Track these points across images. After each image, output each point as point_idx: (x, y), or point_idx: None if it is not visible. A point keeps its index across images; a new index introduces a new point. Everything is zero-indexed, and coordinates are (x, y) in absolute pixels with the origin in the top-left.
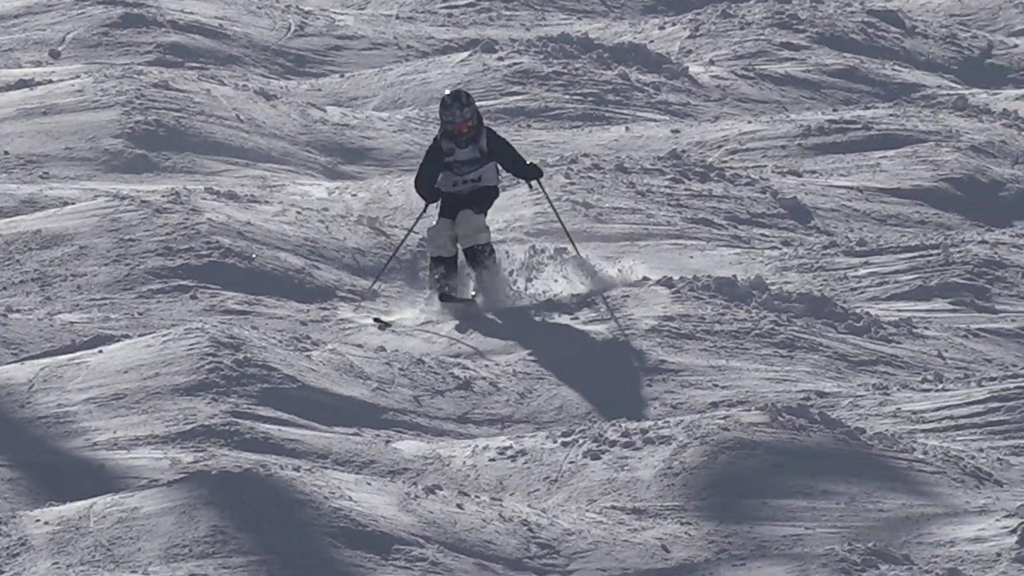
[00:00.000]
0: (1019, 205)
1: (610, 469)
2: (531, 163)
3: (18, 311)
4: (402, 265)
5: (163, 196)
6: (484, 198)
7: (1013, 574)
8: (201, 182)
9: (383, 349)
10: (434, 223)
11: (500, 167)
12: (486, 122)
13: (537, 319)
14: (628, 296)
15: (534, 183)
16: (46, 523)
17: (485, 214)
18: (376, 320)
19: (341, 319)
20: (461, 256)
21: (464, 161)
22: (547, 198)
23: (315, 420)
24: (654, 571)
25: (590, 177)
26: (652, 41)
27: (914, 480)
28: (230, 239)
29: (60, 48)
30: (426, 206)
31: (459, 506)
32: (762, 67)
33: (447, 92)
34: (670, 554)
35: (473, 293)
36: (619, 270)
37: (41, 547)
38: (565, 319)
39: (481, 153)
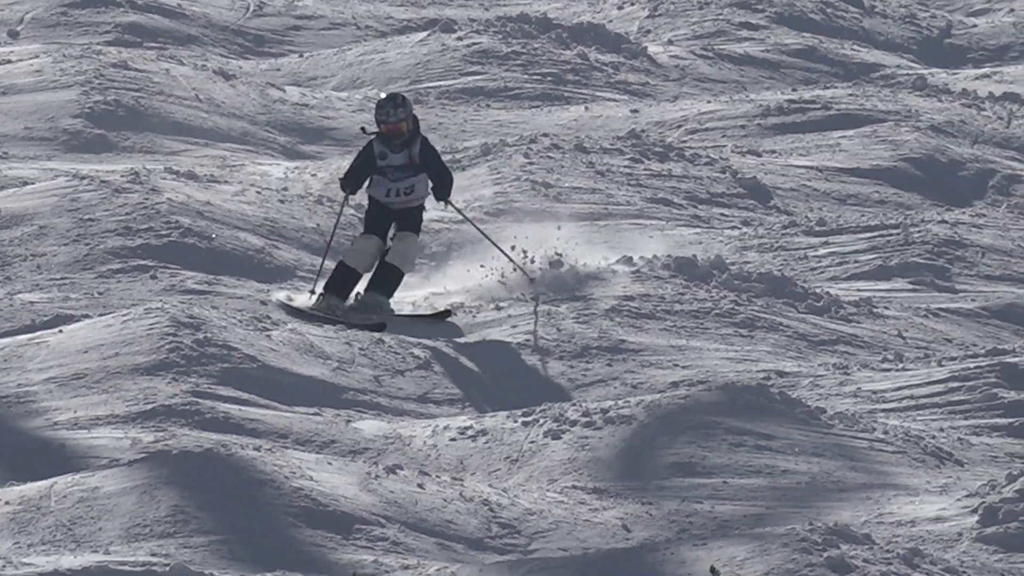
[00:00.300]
0: (978, 184)
1: (571, 449)
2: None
3: None
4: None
5: (122, 176)
6: (415, 217)
7: (974, 553)
8: (160, 162)
9: (343, 328)
10: (360, 234)
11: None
12: (425, 131)
13: (501, 300)
14: (590, 276)
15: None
16: (7, 503)
17: (420, 242)
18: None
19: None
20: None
21: (397, 167)
22: (460, 212)
23: (276, 400)
24: (615, 551)
25: (549, 157)
26: (611, 21)
27: (875, 460)
28: (190, 219)
29: (19, 28)
30: (346, 197)
31: (420, 486)
32: (721, 47)
33: (384, 94)
34: (631, 533)
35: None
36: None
37: (2, 527)
38: (525, 300)
39: (411, 160)
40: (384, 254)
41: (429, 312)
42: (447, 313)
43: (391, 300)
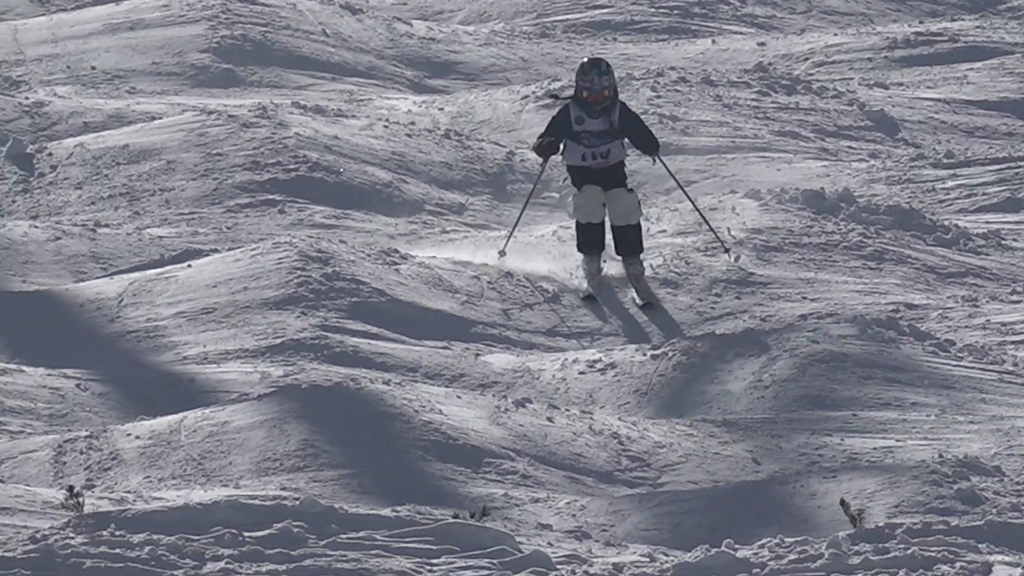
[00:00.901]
0: None
1: (700, 382)
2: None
3: (107, 226)
4: (489, 179)
5: (250, 111)
6: (619, 173)
7: None
8: (288, 96)
9: (471, 263)
10: (578, 191)
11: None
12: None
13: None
14: (715, 209)
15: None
16: (137, 437)
17: (634, 192)
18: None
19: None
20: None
21: (594, 132)
22: (668, 171)
23: (404, 334)
24: (745, 484)
25: (676, 90)
26: None
27: (1004, 392)
28: (317, 153)
29: None
30: (544, 161)
31: (549, 419)
32: None
33: (586, 58)
34: (761, 466)
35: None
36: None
37: (132, 461)
38: (653, 232)
39: (611, 126)
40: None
41: (641, 303)
42: (652, 304)
43: (643, 256)
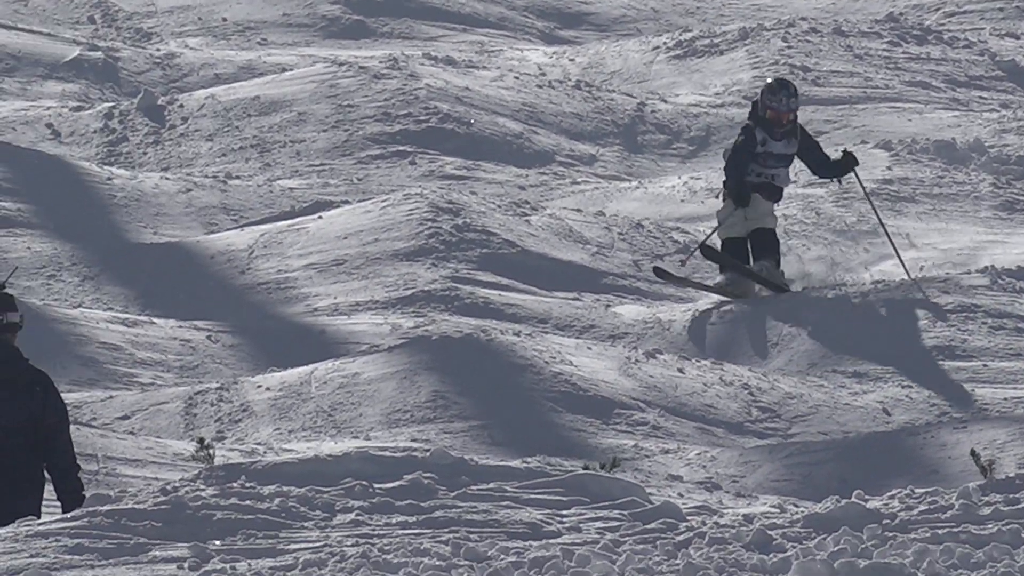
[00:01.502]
0: None
1: (831, 334)
2: (846, 153)
3: (238, 177)
4: (620, 130)
5: (381, 62)
6: (773, 191)
7: None
8: (419, 47)
9: (602, 214)
10: (724, 205)
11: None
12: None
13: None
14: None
15: (846, 177)
16: (267, 389)
17: (774, 203)
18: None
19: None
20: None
21: (776, 155)
22: (862, 188)
23: (535, 285)
24: (875, 434)
25: (807, 41)
26: None
27: None
28: (448, 104)
29: None
30: (735, 208)
31: (680, 370)
32: None
33: (773, 79)
34: (891, 417)
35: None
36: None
37: (263, 413)
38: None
39: (793, 149)
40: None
41: (776, 284)
42: (786, 287)
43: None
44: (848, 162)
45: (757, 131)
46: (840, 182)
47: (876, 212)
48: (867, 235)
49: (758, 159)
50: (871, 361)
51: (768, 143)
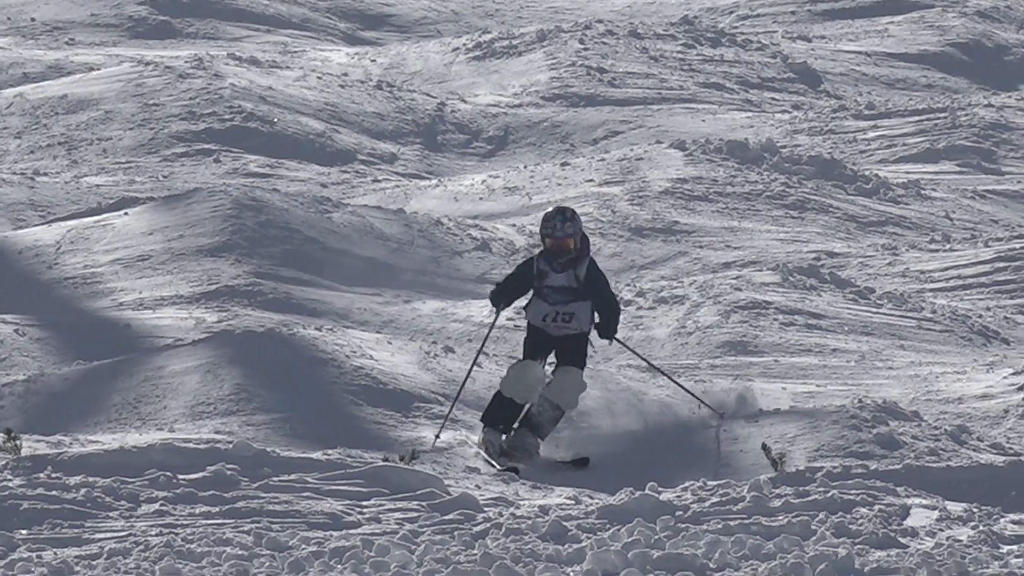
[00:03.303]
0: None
1: (625, 328)
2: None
3: (45, 174)
4: (420, 129)
5: (186, 62)
6: (578, 348)
7: (1021, 430)
8: (223, 48)
9: (402, 211)
10: (520, 360)
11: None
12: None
13: (559, 181)
14: (642, 159)
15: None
16: (74, 381)
17: (581, 375)
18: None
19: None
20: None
21: (557, 288)
22: (629, 349)
23: (336, 280)
24: (669, 428)
25: (604, 43)
26: None
27: (923, 338)
28: (252, 103)
29: None
30: (497, 313)
31: (479, 365)
32: None
33: (552, 208)
34: (668, 408)
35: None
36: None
37: (69, 405)
38: (580, 181)
39: (577, 282)
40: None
41: (569, 459)
42: (585, 461)
43: (542, 441)
44: (610, 330)
45: (537, 260)
46: (610, 342)
47: (662, 371)
48: (662, 233)
49: (544, 294)
50: (665, 356)
51: (549, 275)
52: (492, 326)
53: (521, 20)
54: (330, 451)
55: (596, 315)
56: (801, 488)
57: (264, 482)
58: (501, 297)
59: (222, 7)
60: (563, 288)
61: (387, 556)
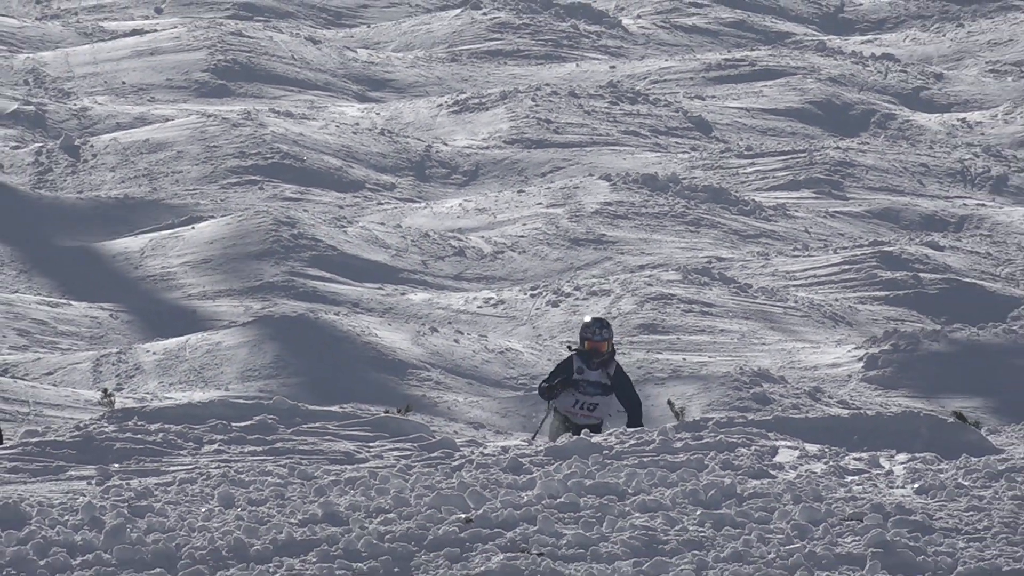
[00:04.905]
0: (864, 121)
1: (565, 314)
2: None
3: (133, 198)
4: (413, 165)
5: (238, 115)
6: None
7: (860, 391)
8: (266, 104)
9: (399, 226)
10: (556, 425)
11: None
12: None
13: (516, 204)
14: (578, 188)
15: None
16: (154, 353)
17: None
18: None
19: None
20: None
21: (591, 382)
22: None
23: (350, 278)
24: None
25: (550, 100)
26: (595, 0)
27: (788, 322)
28: (287, 146)
29: (163, 5)
30: (549, 406)
31: (456, 341)
32: (676, 20)
33: (590, 317)
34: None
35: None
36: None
37: (150, 370)
38: (532, 204)
39: (608, 379)
40: None
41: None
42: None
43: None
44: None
45: (575, 358)
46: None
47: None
48: (593, 243)
49: (578, 386)
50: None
51: (585, 371)
52: (546, 416)
53: (488, 84)
54: (345, 405)
55: (619, 409)
56: (696, 433)
57: (296, 428)
58: (550, 393)
59: (265, 74)
60: (595, 383)
61: (387, 484)
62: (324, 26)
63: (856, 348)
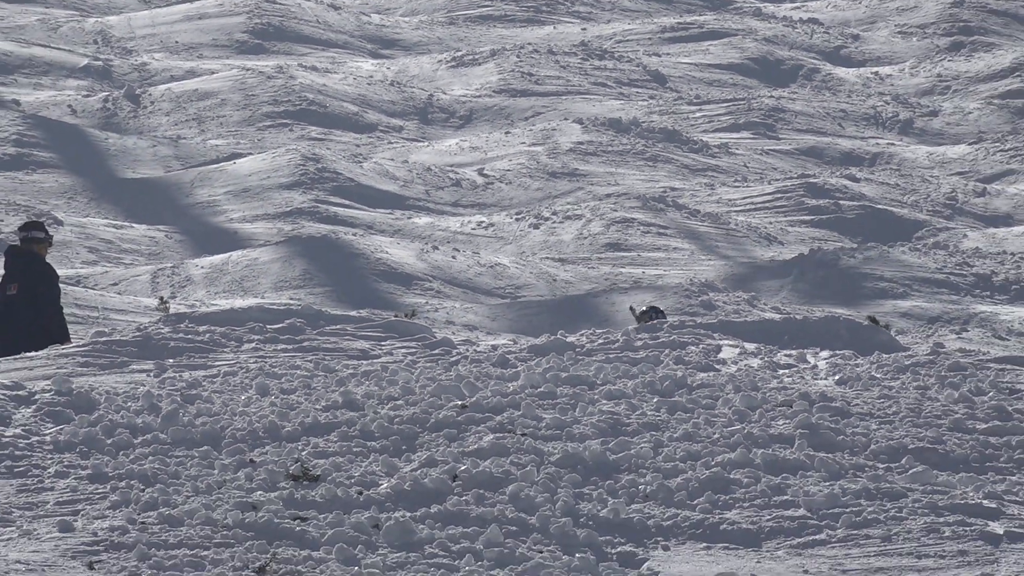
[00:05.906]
0: (793, 74)
1: (544, 235)
2: None
3: (184, 138)
4: (418, 111)
5: (272, 69)
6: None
7: (791, 298)
8: (295, 60)
9: (406, 161)
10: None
11: None
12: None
13: (503, 144)
14: (555, 130)
15: None
16: (202, 267)
17: None
18: None
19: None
20: None
21: None
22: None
23: (365, 205)
24: (572, 296)
25: (532, 57)
26: None
27: (730, 241)
28: (313, 95)
29: None
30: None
31: (453, 257)
32: None
33: (648, 306)
34: (580, 286)
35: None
36: None
37: (199, 281)
38: (516, 143)
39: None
40: None
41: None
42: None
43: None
44: None
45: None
46: None
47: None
48: (567, 176)
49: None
50: (569, 252)
51: None
52: None
53: (480, 43)
54: (361, 310)
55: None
56: (654, 334)
57: (320, 330)
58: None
59: (294, 34)
60: None
61: (396, 376)
62: None
63: (785, 263)
